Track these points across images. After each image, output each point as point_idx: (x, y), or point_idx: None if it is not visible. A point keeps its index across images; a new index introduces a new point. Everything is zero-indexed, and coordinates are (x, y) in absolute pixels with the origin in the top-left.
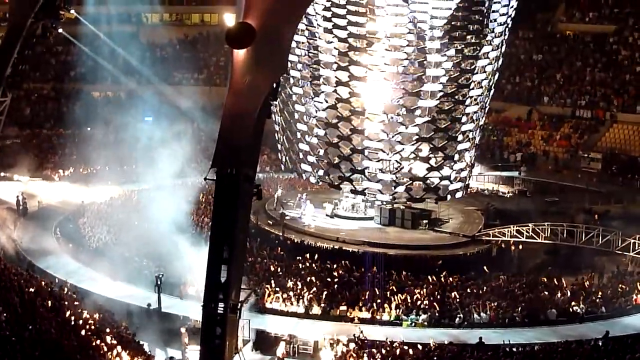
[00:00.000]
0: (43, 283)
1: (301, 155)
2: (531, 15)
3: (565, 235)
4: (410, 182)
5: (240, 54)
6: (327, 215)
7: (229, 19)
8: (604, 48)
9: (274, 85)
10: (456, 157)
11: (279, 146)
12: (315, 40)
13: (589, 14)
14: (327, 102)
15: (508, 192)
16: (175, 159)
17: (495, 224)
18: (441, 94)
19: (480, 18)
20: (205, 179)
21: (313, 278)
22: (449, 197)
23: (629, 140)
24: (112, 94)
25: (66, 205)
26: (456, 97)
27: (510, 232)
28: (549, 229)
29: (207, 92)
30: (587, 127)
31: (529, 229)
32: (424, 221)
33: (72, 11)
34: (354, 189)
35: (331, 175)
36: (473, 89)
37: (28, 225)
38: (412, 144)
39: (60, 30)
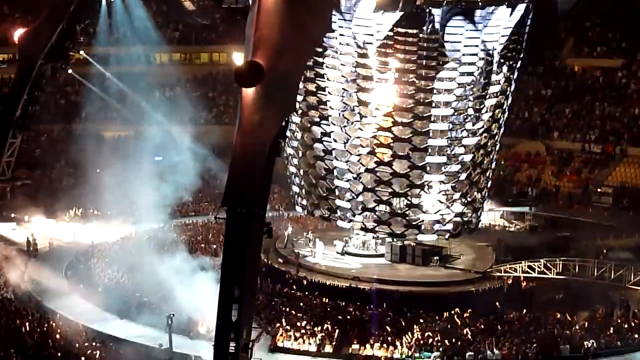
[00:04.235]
0: (54, 324)
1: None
2: (539, 51)
3: (577, 270)
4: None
5: (249, 92)
6: (337, 252)
7: (238, 58)
8: (613, 82)
9: (283, 123)
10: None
11: (293, 186)
12: (324, 80)
13: (597, 48)
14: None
15: (519, 227)
16: (185, 198)
17: (507, 259)
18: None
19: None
20: (215, 217)
21: (325, 316)
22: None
23: (639, 174)
24: (121, 134)
25: (77, 246)
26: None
27: (522, 268)
28: (561, 265)
29: (217, 131)
30: (597, 161)
31: (540, 264)
32: (435, 258)
33: (82, 52)
34: (364, 227)
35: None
36: (483, 127)
37: (39, 266)
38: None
39: (69, 71)
